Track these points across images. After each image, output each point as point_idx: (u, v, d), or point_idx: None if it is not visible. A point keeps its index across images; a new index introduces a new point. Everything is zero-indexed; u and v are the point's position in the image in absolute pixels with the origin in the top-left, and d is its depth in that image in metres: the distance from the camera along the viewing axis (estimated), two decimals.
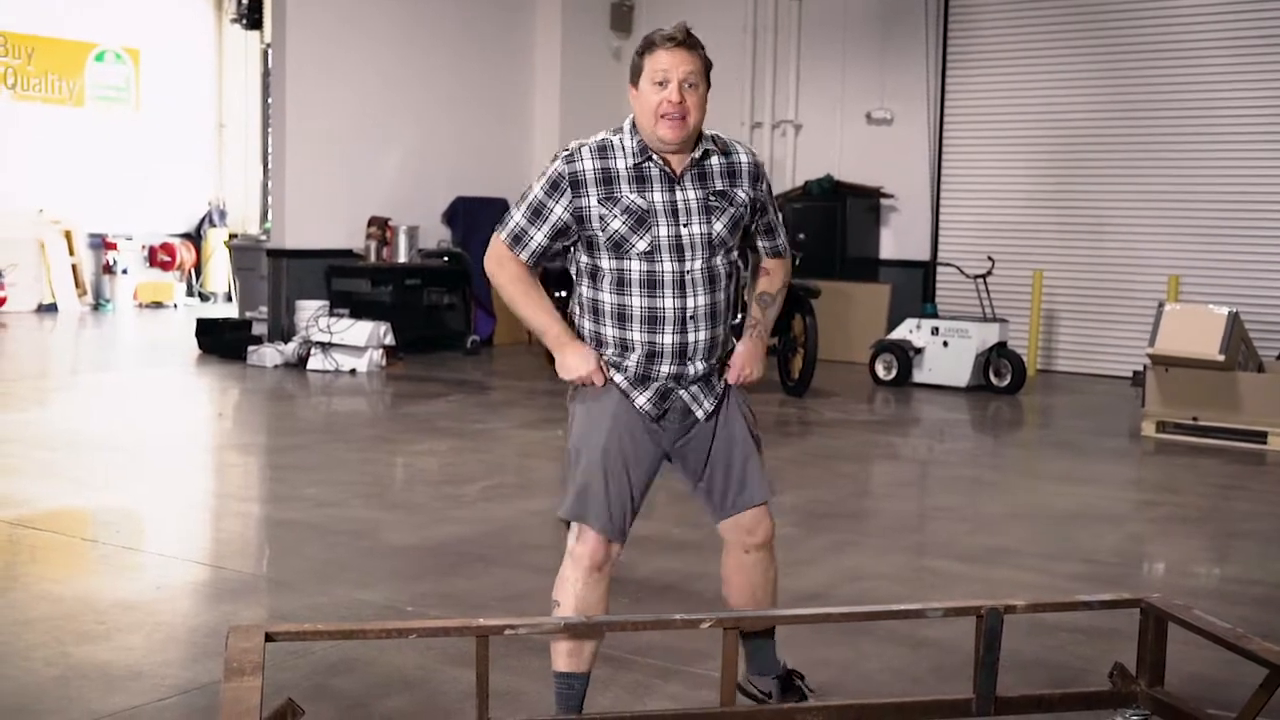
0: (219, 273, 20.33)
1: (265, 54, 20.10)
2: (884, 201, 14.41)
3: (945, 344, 11.89)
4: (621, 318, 3.50)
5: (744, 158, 3.58)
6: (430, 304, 13.79)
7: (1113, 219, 13.10)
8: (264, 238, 15.73)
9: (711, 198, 3.48)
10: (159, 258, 19.73)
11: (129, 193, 19.26)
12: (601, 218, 3.43)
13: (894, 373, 11.99)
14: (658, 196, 3.44)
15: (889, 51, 14.37)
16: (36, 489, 6.99)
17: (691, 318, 3.48)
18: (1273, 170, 12.22)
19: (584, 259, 3.54)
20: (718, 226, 3.48)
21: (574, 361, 3.51)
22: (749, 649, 3.86)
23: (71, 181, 18.55)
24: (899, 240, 14.45)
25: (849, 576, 5.68)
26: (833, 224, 13.85)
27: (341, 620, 4.74)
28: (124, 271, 19.07)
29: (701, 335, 3.51)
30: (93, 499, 6.94)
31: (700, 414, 3.60)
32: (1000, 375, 11.69)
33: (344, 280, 13.32)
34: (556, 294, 12.51)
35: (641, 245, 3.43)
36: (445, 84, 14.69)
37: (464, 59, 14.89)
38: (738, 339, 3.72)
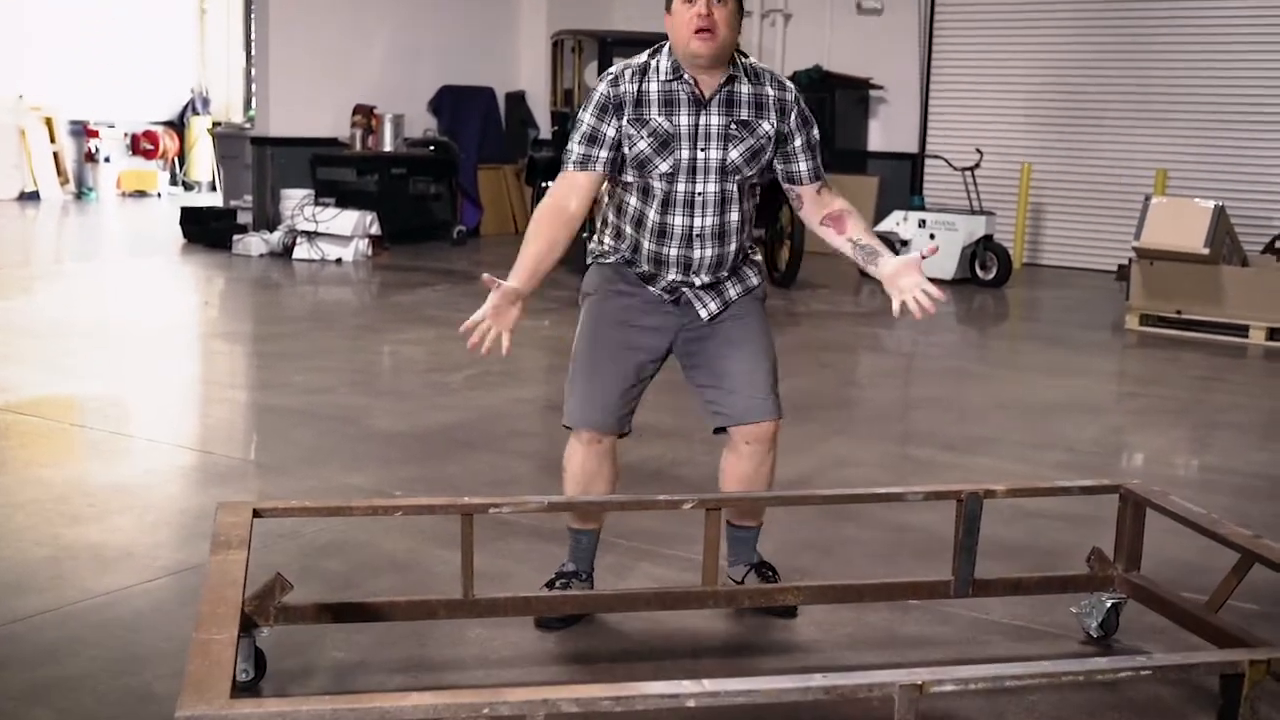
0: (203, 161, 20.14)
1: None
2: (873, 93, 14.30)
3: (932, 236, 11.87)
4: (638, 223, 3.64)
5: (771, 90, 3.62)
6: (416, 193, 13.70)
7: (1101, 112, 13.03)
8: (248, 126, 15.58)
9: (733, 126, 3.56)
10: (142, 145, 19.52)
11: (111, 79, 18.98)
12: (630, 137, 3.54)
13: None
14: (683, 120, 3.54)
15: None
16: (23, 376, 7.00)
17: (698, 235, 3.61)
18: (1260, 65, 12.14)
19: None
20: (733, 154, 3.57)
21: (498, 299, 3.53)
22: (730, 539, 3.93)
23: (52, 68, 18.28)
24: (887, 132, 14.37)
25: (833, 463, 5.75)
26: (821, 115, 13.68)
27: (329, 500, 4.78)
28: (106, 159, 18.89)
29: (707, 252, 3.62)
30: (80, 386, 6.95)
31: (704, 314, 3.69)
32: (986, 268, 11.71)
33: (329, 169, 13.22)
34: (543, 183, 12.50)
35: (664, 167, 3.55)
36: None
37: None
38: (749, 250, 3.81)
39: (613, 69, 3.63)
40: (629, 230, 3.68)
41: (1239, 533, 3.56)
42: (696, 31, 3.43)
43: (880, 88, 14.24)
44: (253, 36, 17.00)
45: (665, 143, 3.54)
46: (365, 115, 13.49)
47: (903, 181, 13.94)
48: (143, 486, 5.11)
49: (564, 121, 12.39)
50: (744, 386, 3.70)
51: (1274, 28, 12.04)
